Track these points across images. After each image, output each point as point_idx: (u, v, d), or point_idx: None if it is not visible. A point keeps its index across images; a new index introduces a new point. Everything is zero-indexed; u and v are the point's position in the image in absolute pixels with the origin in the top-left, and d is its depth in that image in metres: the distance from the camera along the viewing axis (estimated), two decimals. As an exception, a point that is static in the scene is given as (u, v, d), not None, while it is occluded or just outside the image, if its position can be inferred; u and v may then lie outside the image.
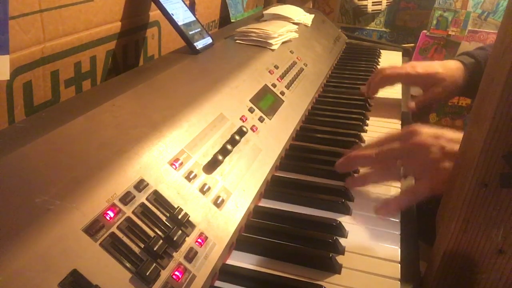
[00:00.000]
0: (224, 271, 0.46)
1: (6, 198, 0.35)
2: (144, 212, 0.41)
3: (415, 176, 0.61)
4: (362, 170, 0.65)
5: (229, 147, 0.54)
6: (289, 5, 1.24)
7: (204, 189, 0.48)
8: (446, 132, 0.59)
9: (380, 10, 1.83)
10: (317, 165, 0.66)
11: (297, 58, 0.95)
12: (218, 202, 0.49)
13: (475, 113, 0.45)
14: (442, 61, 0.94)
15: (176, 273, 0.39)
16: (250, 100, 0.68)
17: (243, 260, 0.48)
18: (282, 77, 0.82)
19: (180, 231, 0.41)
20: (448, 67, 0.90)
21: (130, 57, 0.78)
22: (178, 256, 0.40)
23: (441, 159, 0.56)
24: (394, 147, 0.60)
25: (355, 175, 0.64)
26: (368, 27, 1.89)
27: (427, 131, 0.60)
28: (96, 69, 0.69)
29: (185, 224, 0.43)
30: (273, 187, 0.61)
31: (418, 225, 0.57)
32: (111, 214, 0.38)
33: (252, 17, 1.20)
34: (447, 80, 0.89)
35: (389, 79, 0.92)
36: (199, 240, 0.43)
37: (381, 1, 1.80)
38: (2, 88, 0.52)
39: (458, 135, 0.57)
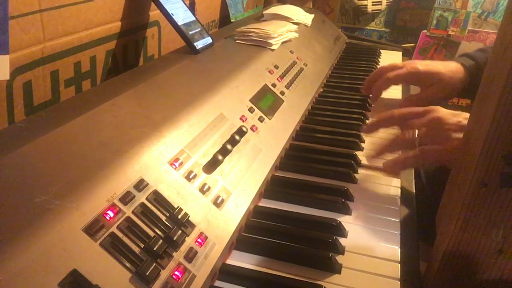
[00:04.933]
0: (224, 271, 0.46)
1: (6, 198, 0.35)
2: (144, 212, 0.41)
3: (428, 144, 0.64)
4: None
5: (229, 147, 0.54)
6: (289, 5, 1.24)
7: (204, 189, 0.48)
8: (464, 113, 0.63)
9: (380, 10, 1.83)
10: (317, 165, 0.66)
11: (297, 58, 0.94)
12: (218, 202, 0.49)
13: (475, 113, 0.45)
14: (443, 61, 0.94)
15: (176, 273, 0.39)
16: (250, 100, 0.68)
17: (243, 260, 0.48)
18: (282, 77, 0.82)
19: (180, 231, 0.41)
20: (449, 68, 0.90)
21: (130, 57, 0.78)
22: (178, 256, 0.40)
23: (455, 130, 0.61)
24: (414, 121, 0.66)
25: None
26: (368, 27, 1.89)
27: (445, 110, 0.65)
28: (96, 69, 0.69)
29: (185, 224, 0.43)
30: (273, 187, 0.61)
31: (418, 225, 0.57)
32: (111, 214, 0.38)
33: (252, 17, 1.20)
34: (447, 80, 0.88)
35: (391, 81, 0.92)
36: (199, 240, 0.43)
37: (381, 1, 1.80)
38: (2, 88, 0.52)
39: None
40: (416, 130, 0.64)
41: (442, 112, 0.65)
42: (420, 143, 0.64)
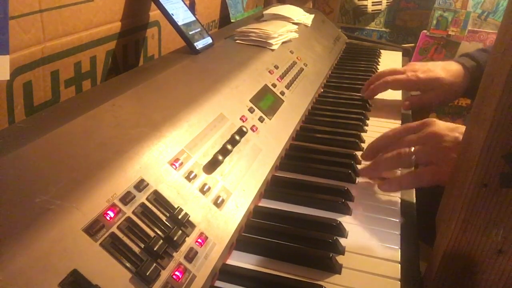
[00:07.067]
0: (224, 271, 0.46)
1: (6, 198, 0.35)
2: (144, 212, 0.41)
3: (425, 163, 0.61)
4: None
5: (229, 147, 0.54)
6: (289, 5, 1.24)
7: (204, 189, 0.48)
8: (461, 126, 0.61)
9: (380, 10, 1.83)
10: (317, 165, 0.66)
11: (297, 58, 0.94)
12: (218, 202, 0.49)
13: (475, 113, 0.45)
14: (444, 62, 0.93)
15: (176, 273, 0.39)
16: (250, 100, 0.68)
17: (243, 260, 0.48)
18: (282, 77, 0.82)
19: (180, 231, 0.41)
20: (450, 72, 0.88)
21: (130, 57, 0.78)
22: (178, 256, 0.40)
23: (453, 149, 0.58)
24: (410, 137, 0.63)
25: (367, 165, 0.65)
26: (368, 27, 1.89)
27: (442, 123, 0.62)
28: (96, 69, 0.69)
29: (185, 224, 0.43)
30: (273, 187, 0.61)
31: (418, 225, 0.57)
32: (111, 214, 0.38)
33: (252, 17, 1.20)
34: (448, 86, 0.87)
35: (389, 85, 0.91)
36: (199, 240, 0.43)
37: (381, 1, 1.80)
38: (2, 88, 0.52)
39: None
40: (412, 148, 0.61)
41: (438, 126, 0.61)
42: (416, 160, 0.61)
